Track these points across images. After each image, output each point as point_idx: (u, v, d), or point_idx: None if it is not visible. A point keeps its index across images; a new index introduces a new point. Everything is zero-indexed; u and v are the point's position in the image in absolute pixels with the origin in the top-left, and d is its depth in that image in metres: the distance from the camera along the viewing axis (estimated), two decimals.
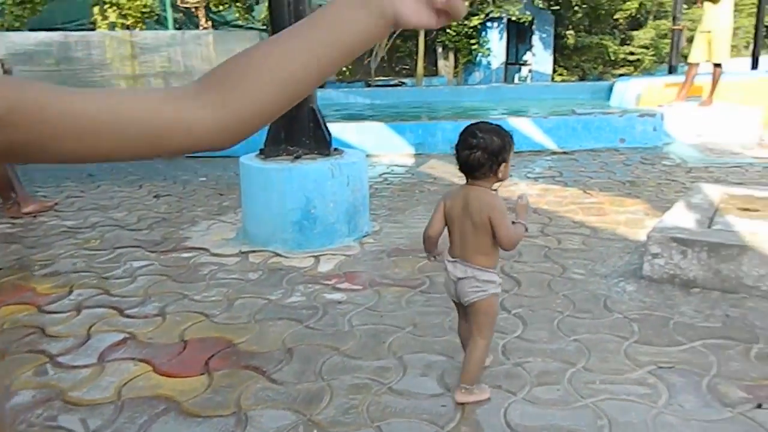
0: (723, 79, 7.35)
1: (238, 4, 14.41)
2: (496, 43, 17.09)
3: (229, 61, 0.60)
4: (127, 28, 12.72)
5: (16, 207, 4.58)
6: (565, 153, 6.50)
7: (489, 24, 16.85)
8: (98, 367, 2.31)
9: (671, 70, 10.89)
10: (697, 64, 7.19)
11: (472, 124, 1.90)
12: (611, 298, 2.75)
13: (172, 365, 2.31)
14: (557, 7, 16.69)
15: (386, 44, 15.69)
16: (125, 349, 2.45)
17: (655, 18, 18.08)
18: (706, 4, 6.91)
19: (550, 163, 5.99)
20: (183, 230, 4.14)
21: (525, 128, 6.72)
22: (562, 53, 17.60)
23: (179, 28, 14.14)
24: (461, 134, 1.88)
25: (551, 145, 6.69)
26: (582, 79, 17.32)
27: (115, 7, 12.54)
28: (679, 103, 7.30)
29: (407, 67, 17.82)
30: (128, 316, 2.77)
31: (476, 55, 17.07)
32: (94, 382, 2.21)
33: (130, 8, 12.62)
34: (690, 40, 8.31)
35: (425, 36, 16.03)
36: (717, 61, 6.95)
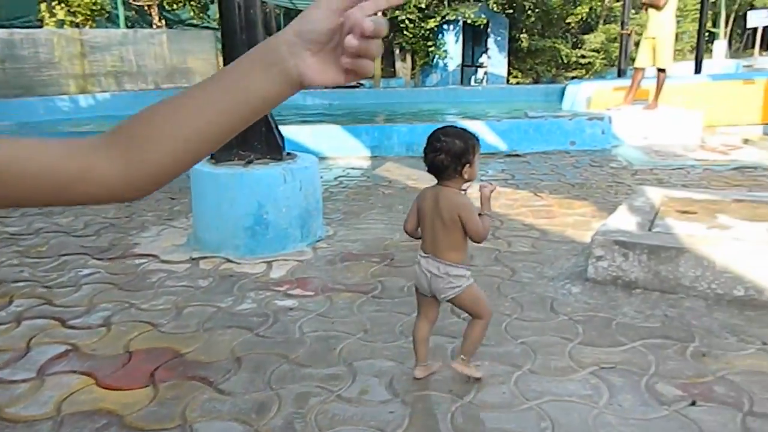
0: (667, 84, 7.62)
1: (192, 2, 14.19)
2: (452, 45, 17.29)
3: (136, 116, 0.61)
4: (77, 25, 12.35)
5: None
6: (517, 155, 6.62)
7: (445, 27, 17.04)
8: (37, 382, 2.24)
9: (620, 74, 11.23)
10: (643, 69, 7.43)
11: (438, 129, 2.00)
12: (558, 300, 2.82)
13: (116, 377, 2.26)
14: (511, 11, 16.99)
15: None
16: (67, 361, 2.38)
17: (605, 22, 18.61)
18: (650, 11, 7.15)
19: (503, 166, 6.09)
20: (132, 236, 4.05)
21: (479, 131, 6.73)
22: (516, 56, 17.93)
23: (131, 27, 13.81)
24: (428, 138, 1.98)
25: (504, 147, 6.81)
26: (536, 81, 17.69)
27: (63, 4, 12.16)
28: (626, 107, 7.53)
29: None
30: (71, 327, 2.69)
31: (433, 57, 17.24)
32: (32, 397, 2.14)
33: (79, 5, 12.28)
34: (638, 44, 8.58)
35: (383, 38, 16.06)
36: (661, 66, 7.20)
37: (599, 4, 18.38)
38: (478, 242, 2.03)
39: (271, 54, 0.59)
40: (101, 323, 2.71)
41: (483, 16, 16.67)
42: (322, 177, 5.79)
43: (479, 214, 1.99)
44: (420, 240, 2.13)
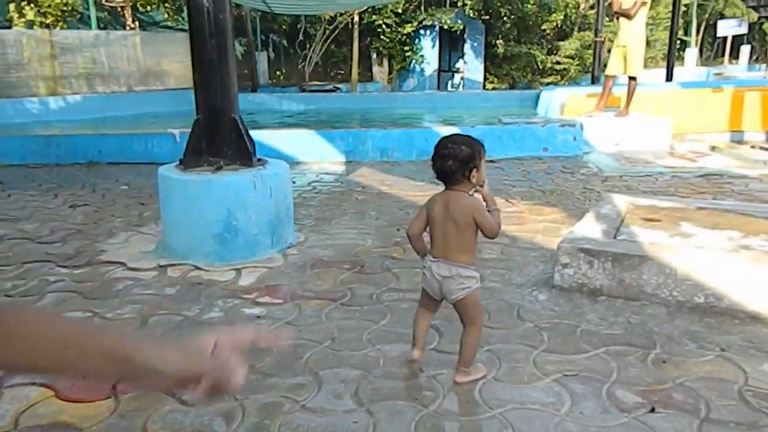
0: (638, 91, 7.76)
1: (166, 4, 14.01)
2: (429, 50, 17.39)
3: (9, 309, 0.70)
4: (47, 26, 12.12)
5: None
6: (491, 161, 6.66)
7: (422, 32, 17.13)
8: None
9: (594, 80, 11.40)
10: (614, 76, 7.56)
11: (444, 137, 2.11)
12: (524, 307, 2.85)
13: (76, 389, 2.21)
14: (487, 17, 17.15)
15: (320, 49, 15.66)
16: None
17: (580, 29, 18.85)
18: (621, 20, 7.28)
19: None
20: (99, 243, 3.99)
21: None
22: (492, 61, 18.08)
23: (104, 28, 13.61)
24: (436, 146, 2.08)
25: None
26: (512, 86, 17.85)
27: (33, 5, 11.93)
28: (597, 114, 7.64)
29: (342, 72, 17.84)
30: None
31: (410, 62, 17.31)
32: None
33: (49, 6, 12.03)
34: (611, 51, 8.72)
35: (359, 42, 16.11)
36: (632, 74, 7.33)
37: (574, 11, 18.64)
38: (493, 237, 2.12)
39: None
40: None
41: (459, 21, 16.80)
42: (295, 182, 5.79)
43: (488, 211, 2.10)
44: (412, 246, 2.26)
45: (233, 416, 2.04)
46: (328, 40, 15.75)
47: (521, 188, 5.35)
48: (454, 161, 2.03)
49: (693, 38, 28.26)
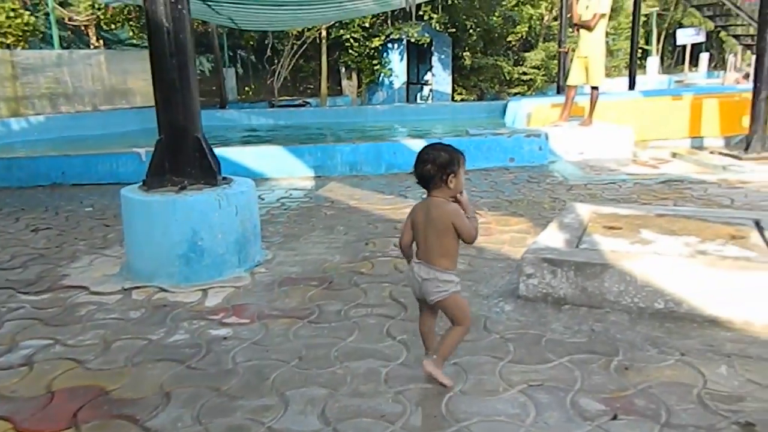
0: (602, 100, 7.94)
1: (131, 22, 13.89)
2: (397, 63, 17.53)
3: None
4: (8, 47, 11.91)
5: None
6: None
7: (390, 45, 17.28)
8: None
9: (559, 90, 11.61)
10: (576, 86, 7.72)
11: (426, 145, 2.24)
12: (491, 318, 2.87)
13: (36, 420, 2.16)
14: (454, 30, 17.37)
15: (289, 64, 15.67)
16: None
17: (545, 40, 19.22)
18: (582, 31, 7.45)
19: None
20: (62, 267, 3.91)
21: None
22: (460, 73, 18.30)
23: (67, 47, 13.42)
24: (418, 153, 2.20)
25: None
26: (480, 97, 18.08)
27: None
28: (562, 123, 7.79)
29: (311, 86, 17.86)
30: None
31: (379, 75, 17.42)
32: None
33: (10, 26, 11.83)
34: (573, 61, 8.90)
35: (328, 56, 16.16)
36: (594, 84, 7.50)
37: (538, 23, 19.01)
38: (471, 243, 2.22)
39: None
40: (23, 362, 2.60)
41: (426, 35, 16.98)
42: (264, 199, 5.77)
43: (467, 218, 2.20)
44: (403, 255, 2.37)
45: None
46: (297, 55, 15.77)
47: (488, 199, 5.41)
48: (433, 166, 2.14)
49: (654, 47, 29.04)
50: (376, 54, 17.08)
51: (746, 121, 7.25)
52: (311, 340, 2.75)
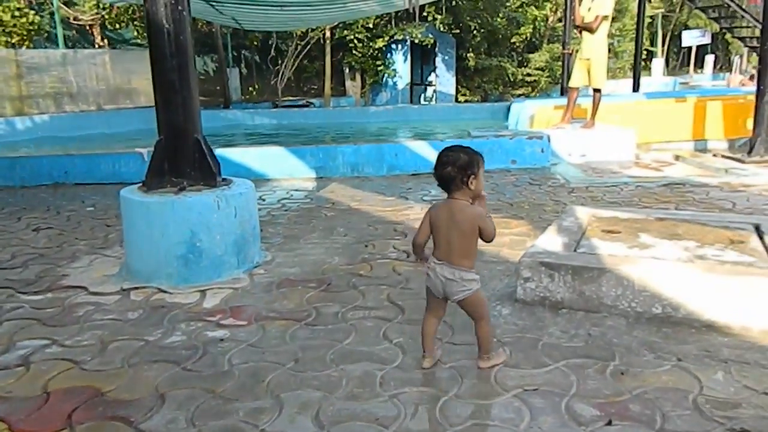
0: (605, 102, 7.92)
1: (136, 22, 13.92)
2: (401, 64, 17.53)
3: None
4: (13, 46, 11.96)
5: None
6: None
7: (393, 46, 17.28)
8: None
9: (563, 92, 11.58)
10: (578, 88, 7.71)
11: (445, 147, 2.29)
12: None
13: (31, 421, 2.17)
14: (458, 31, 17.35)
15: (293, 64, 15.68)
16: None
17: (549, 42, 19.19)
18: (584, 33, 7.44)
19: None
20: (61, 267, 3.92)
21: (423, 151, 6.91)
22: (464, 74, 18.28)
23: (72, 47, 13.47)
24: (438, 155, 2.26)
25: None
26: (484, 99, 18.06)
27: None
28: (565, 125, 7.77)
29: (315, 87, 17.88)
30: None
31: (382, 76, 17.42)
32: None
33: (15, 25, 11.88)
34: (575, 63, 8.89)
35: (332, 57, 16.17)
36: (596, 87, 7.48)
37: (542, 24, 18.96)
38: (490, 242, 2.31)
39: None
40: (19, 363, 2.61)
41: (430, 35, 16.98)
42: (264, 200, 5.78)
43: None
44: (414, 252, 2.40)
45: None
46: (301, 56, 15.77)
47: (489, 201, 5.31)
48: (453, 168, 2.20)
49: (659, 48, 28.96)
50: (379, 55, 17.08)
51: (750, 123, 7.22)
52: (308, 342, 2.75)
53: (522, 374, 2.38)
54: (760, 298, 2.52)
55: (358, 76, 17.54)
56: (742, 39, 14.46)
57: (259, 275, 3.65)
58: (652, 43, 28.62)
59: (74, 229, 4.93)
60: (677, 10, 28.72)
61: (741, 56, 23.59)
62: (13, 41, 11.88)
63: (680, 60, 32.16)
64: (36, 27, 12.07)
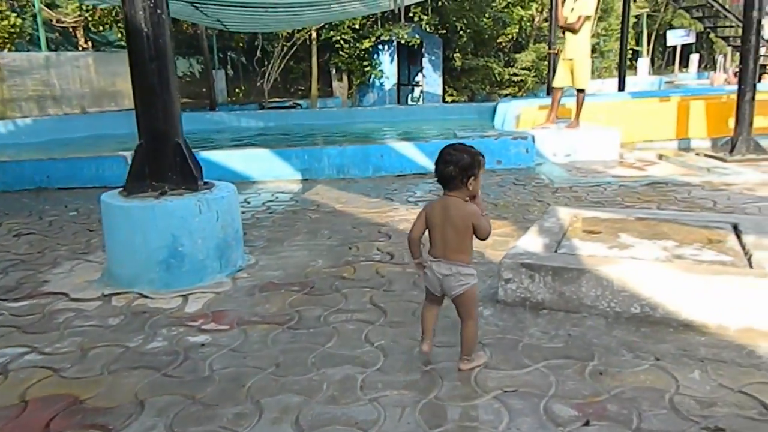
0: (590, 101, 7.98)
1: (119, 24, 13.82)
2: (387, 65, 17.55)
3: None
4: None
5: None
6: None
7: (380, 47, 17.29)
8: None
9: (549, 92, 11.66)
10: (561, 89, 7.76)
11: (449, 145, 2.31)
12: None
13: (8, 430, 2.15)
14: (444, 31, 17.40)
15: (279, 66, 15.64)
16: None
17: (535, 42, 19.29)
18: (567, 34, 7.48)
19: (431, 187, 6.19)
20: (42, 273, 3.88)
21: (409, 153, 6.92)
22: (451, 75, 18.33)
23: (55, 49, 13.35)
24: (440, 152, 2.28)
25: (433, 168, 6.92)
26: (471, 98, 18.13)
27: None
28: (548, 125, 7.81)
29: (302, 88, 17.84)
30: None
31: (369, 77, 17.43)
32: None
33: None
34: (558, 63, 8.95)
35: (318, 58, 16.15)
36: (579, 87, 7.53)
37: (529, 24, 19.06)
38: (485, 239, 2.36)
39: None
40: None
41: (417, 36, 17.01)
42: (249, 202, 5.76)
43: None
44: (409, 248, 2.44)
45: None
46: (287, 57, 15.75)
47: None
48: (455, 167, 2.23)
49: (644, 48, 29.21)
50: (366, 55, 17.09)
51: (732, 122, 7.29)
52: (289, 346, 2.75)
53: (502, 376, 2.39)
54: (736, 297, 2.55)
55: (344, 77, 17.54)
56: (725, 38, 14.64)
57: (242, 279, 3.64)
58: (638, 43, 28.87)
59: (56, 234, 4.89)
60: (662, 9, 28.98)
61: (725, 55, 23.83)
62: None
63: (665, 59, 32.45)
64: (18, 29, 11.95)
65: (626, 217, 3.62)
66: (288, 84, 17.97)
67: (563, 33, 7.70)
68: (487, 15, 17.52)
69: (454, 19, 17.09)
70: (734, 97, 7.32)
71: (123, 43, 14.47)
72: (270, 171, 6.88)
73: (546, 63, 13.46)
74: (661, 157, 7.53)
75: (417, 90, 18.65)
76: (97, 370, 2.57)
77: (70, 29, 13.31)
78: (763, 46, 11.66)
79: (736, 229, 3.30)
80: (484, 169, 2.30)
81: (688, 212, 4.25)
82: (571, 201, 5.32)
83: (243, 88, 17.17)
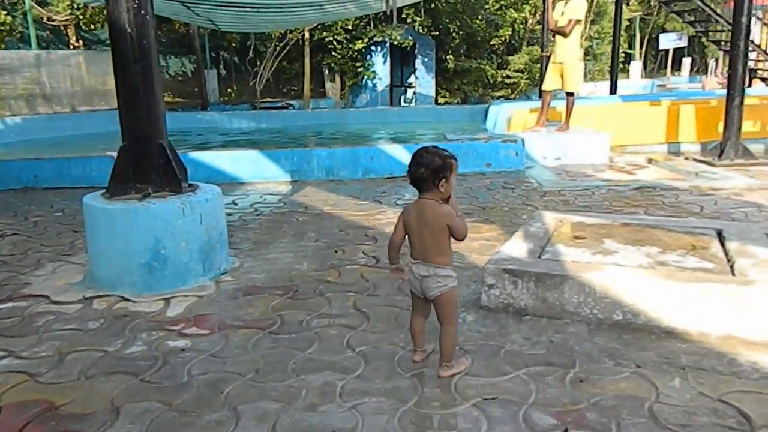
0: (581, 105, 7.99)
1: None
2: (380, 66, 17.53)
3: None
4: None
5: None
6: None
7: (373, 48, 17.28)
8: None
9: (541, 94, 11.68)
10: (551, 92, 7.77)
11: (422, 147, 2.33)
12: None
13: None
14: (437, 33, 17.40)
15: (271, 66, 15.60)
16: None
17: (528, 44, 19.33)
18: (557, 37, 7.49)
19: None
20: (24, 275, 3.85)
21: (398, 155, 6.90)
22: (444, 76, 18.33)
23: (46, 48, 13.25)
24: (413, 155, 2.30)
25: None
26: (464, 100, 18.14)
27: None
28: (539, 129, 7.82)
29: (294, 88, 17.80)
30: None
31: (362, 78, 17.41)
32: None
33: None
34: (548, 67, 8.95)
35: (311, 58, 16.11)
36: (569, 90, 7.54)
37: (521, 26, 19.09)
38: (462, 240, 2.36)
39: None
40: None
41: (410, 37, 16.99)
42: (237, 204, 5.73)
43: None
44: (389, 254, 2.47)
45: None
46: (280, 57, 15.69)
47: (461, 205, 5.39)
48: (426, 170, 2.25)
49: (637, 51, 29.32)
50: (359, 56, 17.06)
51: (722, 127, 7.31)
52: (270, 351, 2.72)
53: (482, 383, 2.38)
54: (717, 305, 2.55)
55: (337, 78, 17.51)
56: (716, 42, 14.68)
57: (226, 282, 3.61)
58: (630, 46, 28.97)
59: (40, 235, 4.85)
60: (654, 13, 29.10)
61: (717, 59, 23.96)
62: None
63: (658, 62, 32.58)
64: (8, 27, 11.84)
65: (612, 223, 3.62)
66: (280, 84, 17.92)
67: (554, 36, 7.71)
68: (479, 17, 17.54)
69: (447, 20, 17.10)
70: (723, 101, 7.34)
71: None
72: (259, 172, 6.85)
73: (539, 65, 13.49)
74: (650, 161, 7.55)
75: (410, 91, 18.64)
76: (74, 375, 2.54)
77: (61, 27, 13.22)
78: (752, 50, 11.73)
79: (720, 236, 3.30)
80: (456, 172, 2.31)
81: (674, 218, 4.25)
82: (560, 205, 5.32)
83: (235, 88, 17.11)
